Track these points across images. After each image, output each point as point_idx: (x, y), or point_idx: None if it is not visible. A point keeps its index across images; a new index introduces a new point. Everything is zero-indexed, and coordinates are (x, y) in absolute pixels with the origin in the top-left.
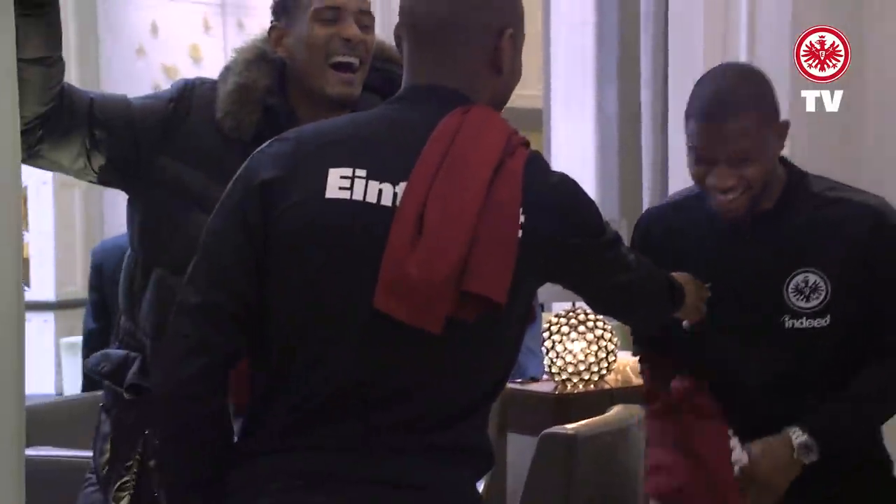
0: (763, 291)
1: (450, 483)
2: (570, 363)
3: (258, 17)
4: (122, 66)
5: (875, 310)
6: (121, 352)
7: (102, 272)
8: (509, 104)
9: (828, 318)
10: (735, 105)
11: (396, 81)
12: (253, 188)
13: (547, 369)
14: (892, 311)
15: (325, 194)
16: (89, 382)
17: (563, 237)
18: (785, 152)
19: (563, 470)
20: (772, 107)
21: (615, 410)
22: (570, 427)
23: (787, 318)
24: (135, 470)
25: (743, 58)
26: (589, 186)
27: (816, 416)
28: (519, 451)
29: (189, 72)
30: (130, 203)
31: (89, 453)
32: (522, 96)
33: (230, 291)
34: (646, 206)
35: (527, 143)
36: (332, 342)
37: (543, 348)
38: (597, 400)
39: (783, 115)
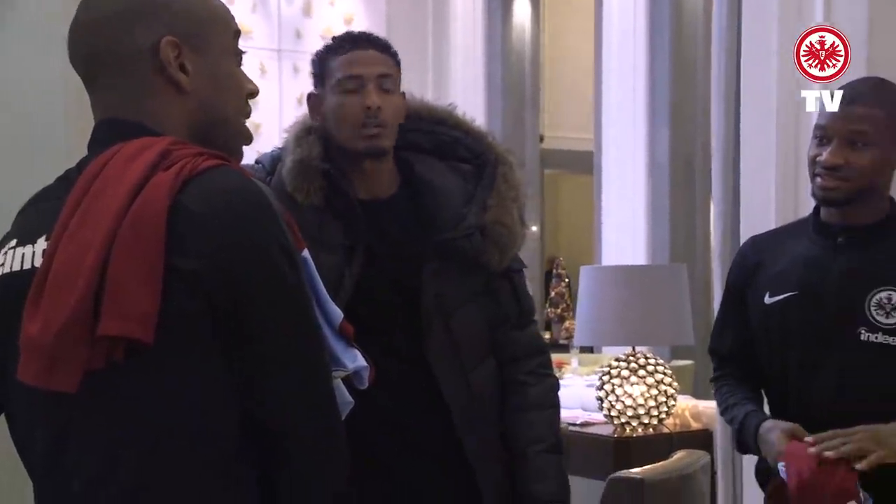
0: (846, 301)
1: None
2: (630, 407)
3: None
4: None
5: None
6: None
7: None
8: (562, 147)
9: None
10: (867, 96)
11: (448, 143)
12: None
13: (606, 413)
14: None
15: None
16: None
17: (221, 254)
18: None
19: None
20: None
21: (680, 455)
22: (637, 471)
23: (863, 331)
24: None
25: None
26: (640, 231)
27: None
28: (580, 493)
29: None
30: None
31: None
32: (574, 139)
33: None
34: (714, 253)
35: (221, 157)
36: (25, 427)
37: (602, 391)
38: (657, 444)
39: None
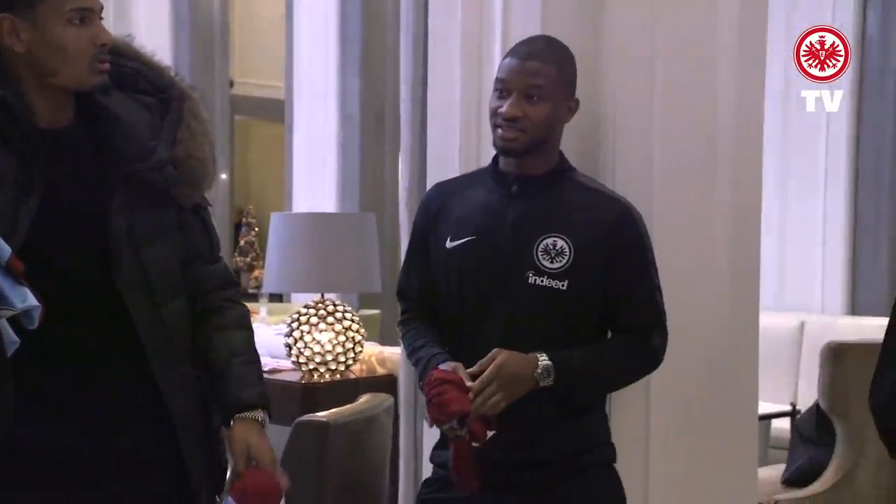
0: (517, 247)
1: None
2: (318, 353)
3: None
4: None
5: (616, 293)
6: None
7: None
8: (253, 93)
9: (566, 283)
10: (541, 53)
11: (130, 75)
12: None
13: (294, 359)
14: (629, 295)
15: None
16: None
17: None
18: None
19: (316, 457)
20: (570, 77)
21: (365, 398)
22: (323, 415)
23: (531, 274)
24: None
25: (496, 61)
26: (330, 181)
27: (560, 351)
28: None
29: None
30: None
31: None
32: (266, 87)
33: None
34: (402, 201)
35: None
36: None
37: (291, 338)
38: (343, 389)
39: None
